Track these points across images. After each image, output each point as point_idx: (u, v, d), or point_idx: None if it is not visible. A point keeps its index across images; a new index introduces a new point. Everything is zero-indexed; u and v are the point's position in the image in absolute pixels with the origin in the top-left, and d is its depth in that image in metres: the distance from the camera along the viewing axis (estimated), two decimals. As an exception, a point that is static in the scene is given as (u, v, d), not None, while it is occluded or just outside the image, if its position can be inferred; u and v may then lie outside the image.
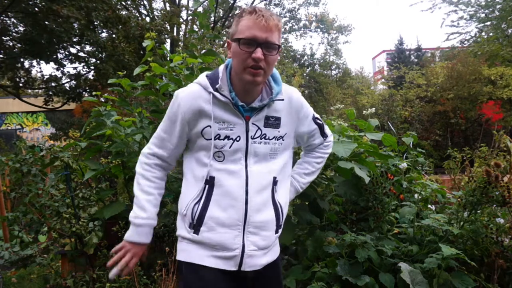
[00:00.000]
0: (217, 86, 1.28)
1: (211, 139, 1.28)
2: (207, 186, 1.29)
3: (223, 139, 1.28)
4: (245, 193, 1.28)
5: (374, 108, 2.87)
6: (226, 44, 1.35)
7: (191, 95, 1.30)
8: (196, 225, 1.28)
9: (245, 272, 1.31)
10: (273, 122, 1.34)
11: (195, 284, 1.28)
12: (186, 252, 1.31)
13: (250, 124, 1.30)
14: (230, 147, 1.28)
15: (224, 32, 16.44)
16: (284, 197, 1.41)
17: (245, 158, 1.30)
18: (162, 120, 1.41)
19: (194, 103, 1.29)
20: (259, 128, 1.32)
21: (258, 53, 1.21)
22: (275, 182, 1.35)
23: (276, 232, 1.37)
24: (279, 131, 1.35)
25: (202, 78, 1.33)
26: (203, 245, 1.29)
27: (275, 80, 1.37)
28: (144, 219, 1.33)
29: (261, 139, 1.32)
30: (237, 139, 1.29)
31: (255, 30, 1.21)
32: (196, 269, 1.28)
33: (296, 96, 1.40)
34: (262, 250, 1.33)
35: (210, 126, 1.28)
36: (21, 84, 10.19)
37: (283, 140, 1.37)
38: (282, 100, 1.35)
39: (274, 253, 1.41)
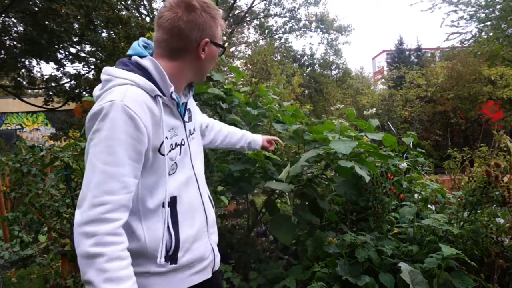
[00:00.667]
0: (171, 89, 1.07)
1: (165, 155, 1.06)
2: (168, 210, 1.08)
3: (174, 148, 1.12)
4: (200, 197, 1.21)
5: (374, 109, 2.88)
6: (200, 43, 1.11)
7: (141, 101, 1.00)
8: (172, 255, 1.10)
9: (213, 273, 1.27)
10: (189, 115, 1.23)
11: None
12: (159, 286, 1.11)
13: (184, 123, 1.18)
14: (180, 154, 1.13)
15: (224, 32, 16.43)
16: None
17: (190, 161, 1.19)
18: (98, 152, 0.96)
19: (147, 111, 1.01)
20: (188, 123, 1.21)
21: None
22: (206, 176, 1.31)
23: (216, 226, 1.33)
24: (194, 123, 1.26)
25: (139, 78, 1.03)
26: (180, 270, 1.14)
27: None
28: None
29: (190, 135, 1.22)
30: (182, 142, 1.15)
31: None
32: None
33: None
34: (216, 247, 1.30)
35: (167, 137, 1.07)
36: (24, 83, 10.17)
37: (196, 131, 1.28)
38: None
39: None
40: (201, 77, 1.19)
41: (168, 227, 1.08)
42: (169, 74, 1.08)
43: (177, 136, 1.12)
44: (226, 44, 16.26)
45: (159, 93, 1.05)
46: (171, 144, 1.10)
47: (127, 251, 0.98)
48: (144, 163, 1.03)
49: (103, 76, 1.06)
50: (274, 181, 2.48)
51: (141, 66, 1.06)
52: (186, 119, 1.19)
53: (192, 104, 1.29)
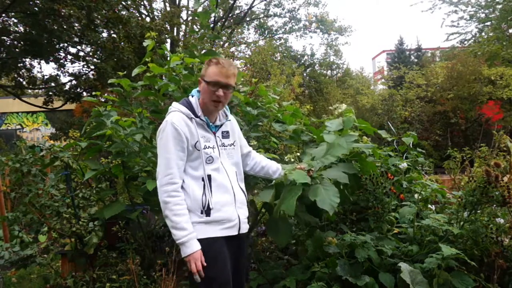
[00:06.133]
0: (199, 114, 1.83)
1: (201, 150, 1.80)
2: (206, 182, 1.79)
3: (208, 148, 1.83)
4: (229, 182, 1.86)
5: (344, 105, 2.86)
6: (199, 80, 1.89)
7: (182, 120, 1.79)
8: (207, 209, 1.76)
9: (239, 235, 1.86)
10: (225, 134, 1.94)
11: (209, 252, 1.74)
12: (202, 231, 1.75)
13: (216, 137, 1.90)
14: (213, 152, 1.84)
15: (224, 32, 16.40)
16: (243, 184, 1.98)
17: (220, 159, 1.86)
18: (162, 142, 1.77)
19: (185, 126, 1.79)
20: (220, 139, 1.91)
21: (220, 92, 1.81)
22: (237, 174, 1.95)
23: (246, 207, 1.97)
24: (229, 140, 1.95)
25: (182, 108, 1.83)
26: (214, 223, 1.77)
27: (227, 107, 1.97)
28: (188, 235, 1.71)
29: (222, 146, 1.91)
30: (213, 147, 1.86)
31: (219, 76, 1.80)
32: (209, 242, 1.75)
33: (235, 119, 2.06)
34: (246, 219, 1.92)
35: (198, 141, 1.80)
36: (24, 83, 10.13)
37: (234, 146, 1.97)
38: (230, 120, 1.99)
39: (247, 224, 1.96)
40: (207, 104, 1.84)
41: (204, 192, 1.77)
42: (200, 104, 1.86)
43: (209, 142, 1.84)
44: (226, 44, 16.24)
45: (192, 116, 1.82)
46: (205, 145, 1.82)
47: (184, 201, 1.74)
48: (190, 154, 1.79)
49: (170, 107, 1.87)
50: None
51: (188, 101, 1.88)
52: (218, 134, 1.90)
53: (231, 129, 1.98)
